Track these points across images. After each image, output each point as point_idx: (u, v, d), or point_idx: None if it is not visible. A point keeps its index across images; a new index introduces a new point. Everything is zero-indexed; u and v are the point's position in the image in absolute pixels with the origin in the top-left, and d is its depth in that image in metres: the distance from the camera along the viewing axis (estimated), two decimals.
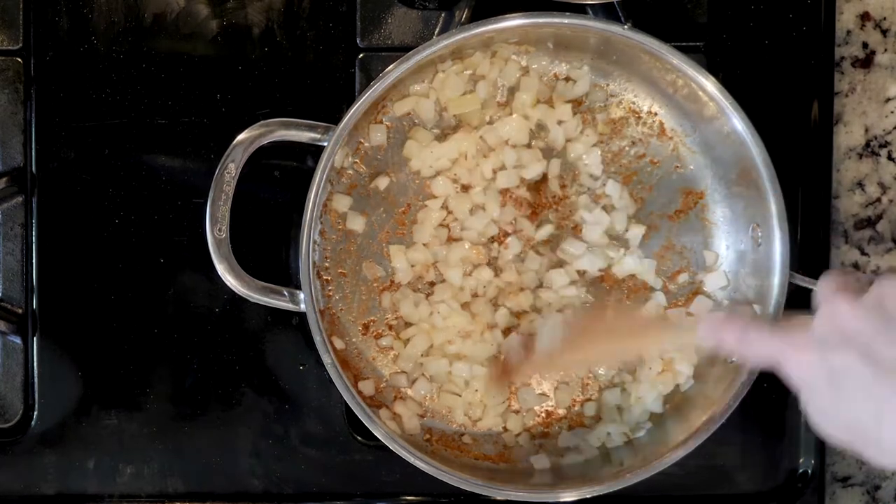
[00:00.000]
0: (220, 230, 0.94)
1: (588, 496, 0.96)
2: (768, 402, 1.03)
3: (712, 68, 0.98)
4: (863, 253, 1.07)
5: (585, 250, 1.00)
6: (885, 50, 1.07)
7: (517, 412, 1.02)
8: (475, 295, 1.01)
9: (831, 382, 0.74)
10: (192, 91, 1.02)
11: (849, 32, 1.06)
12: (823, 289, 0.77)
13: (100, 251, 1.02)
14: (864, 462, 1.07)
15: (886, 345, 0.72)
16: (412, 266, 1.00)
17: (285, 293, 0.95)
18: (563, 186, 1.02)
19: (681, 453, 0.96)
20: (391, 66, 0.94)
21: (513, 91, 1.01)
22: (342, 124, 0.94)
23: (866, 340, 0.73)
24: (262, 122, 0.94)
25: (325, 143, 0.94)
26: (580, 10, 0.97)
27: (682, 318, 1.00)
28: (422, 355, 1.01)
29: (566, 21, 0.95)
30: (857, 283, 0.76)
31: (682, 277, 1.02)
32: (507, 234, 1.01)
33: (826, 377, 0.75)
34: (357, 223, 1.01)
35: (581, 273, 1.01)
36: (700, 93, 0.96)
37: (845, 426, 0.75)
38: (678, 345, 0.97)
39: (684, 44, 0.99)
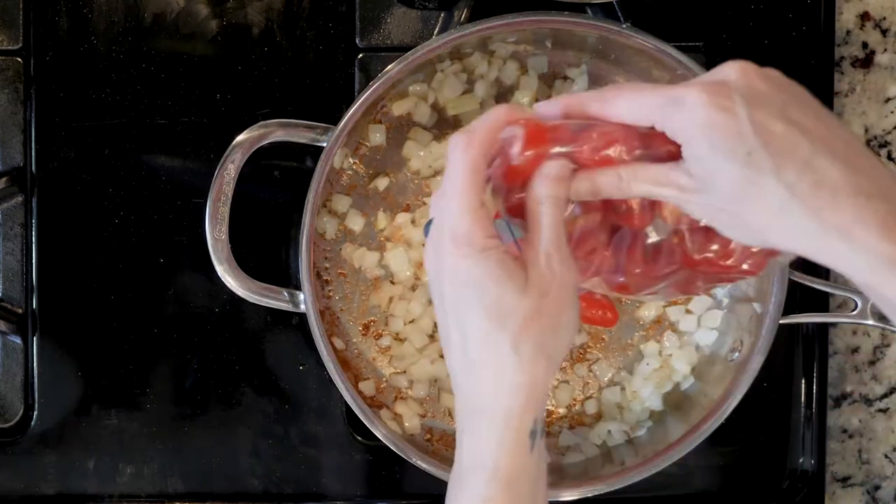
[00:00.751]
0: (219, 231, 0.94)
1: (589, 495, 0.96)
2: (768, 402, 1.03)
3: (712, 68, 0.98)
4: None
5: None
6: (885, 50, 1.07)
7: None
8: None
9: (746, 135, 0.67)
10: (191, 91, 1.02)
11: (848, 32, 1.06)
12: (724, 66, 0.71)
13: (100, 251, 1.02)
14: (864, 462, 1.07)
15: (803, 115, 0.68)
16: (411, 266, 1.01)
17: (285, 294, 0.95)
18: None
19: (681, 452, 0.96)
20: (390, 66, 0.94)
21: (511, 90, 1.01)
22: (341, 124, 0.94)
23: (780, 102, 0.69)
24: (261, 122, 0.94)
25: (325, 144, 0.94)
26: (579, 9, 0.97)
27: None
28: (419, 349, 1.01)
29: (565, 20, 0.95)
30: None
31: None
32: None
33: (745, 131, 0.67)
34: (357, 223, 1.01)
35: None
36: None
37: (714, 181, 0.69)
38: None
39: (684, 43, 0.99)
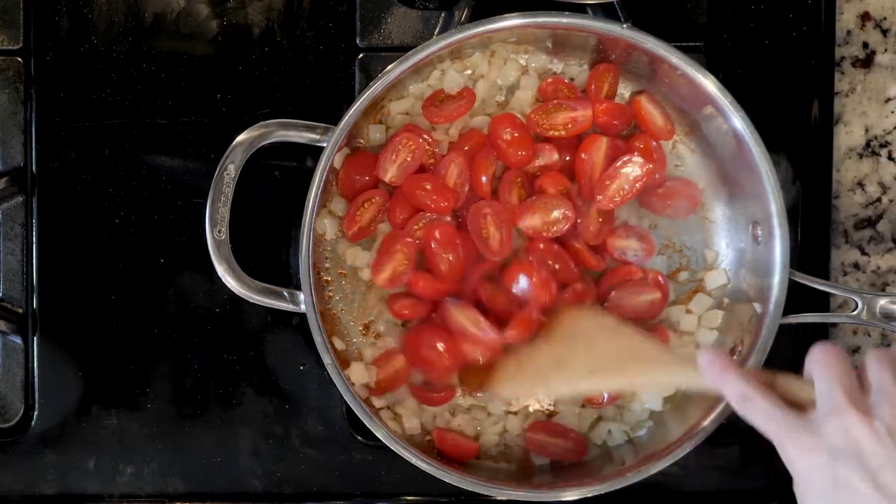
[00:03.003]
0: (219, 231, 0.94)
1: (589, 495, 0.96)
2: None
3: (712, 68, 0.98)
4: (863, 253, 1.07)
5: None
6: (886, 50, 1.07)
7: (516, 413, 1.02)
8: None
9: (831, 491, 0.77)
10: (192, 91, 1.02)
11: (849, 32, 1.06)
12: (823, 377, 0.79)
13: (100, 251, 1.02)
14: None
15: (893, 472, 0.75)
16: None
17: (285, 294, 0.95)
18: None
19: (681, 452, 0.96)
20: (390, 66, 0.94)
21: (512, 90, 1.01)
22: (341, 125, 0.93)
23: (877, 465, 0.76)
24: (261, 122, 0.94)
25: (325, 144, 0.94)
26: (580, 9, 0.97)
27: (682, 353, 0.97)
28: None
29: (566, 21, 0.95)
30: (850, 372, 0.79)
31: (683, 276, 1.02)
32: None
33: (828, 484, 0.78)
34: None
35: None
36: (700, 92, 0.96)
37: None
38: (679, 384, 0.96)
39: (684, 44, 0.99)
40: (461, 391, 1.00)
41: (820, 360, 0.80)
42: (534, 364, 0.96)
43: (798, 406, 0.81)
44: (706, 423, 0.96)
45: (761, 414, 0.81)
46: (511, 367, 0.96)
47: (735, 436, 1.02)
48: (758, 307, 0.97)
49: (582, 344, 0.95)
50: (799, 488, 0.81)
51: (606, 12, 0.97)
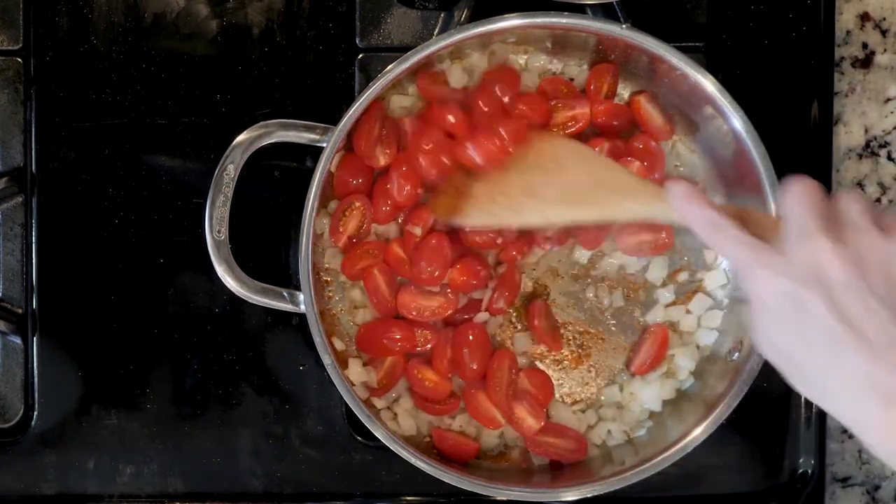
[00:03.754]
0: (219, 232, 0.94)
1: (589, 495, 0.96)
2: (768, 402, 1.03)
3: (712, 68, 0.98)
4: None
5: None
6: (885, 50, 1.07)
7: None
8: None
9: (791, 314, 0.77)
10: (192, 91, 1.02)
11: (848, 33, 1.06)
12: (795, 207, 0.78)
13: (100, 251, 1.02)
14: (864, 462, 1.07)
15: (859, 301, 0.74)
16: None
17: (285, 294, 0.95)
18: None
19: (681, 453, 0.96)
20: (390, 66, 0.94)
21: None
22: (341, 125, 0.94)
23: (842, 290, 0.75)
24: (260, 123, 0.94)
25: (325, 144, 0.94)
26: (579, 9, 0.97)
27: (653, 185, 0.92)
28: None
29: (565, 21, 0.95)
30: (823, 203, 0.78)
31: (682, 276, 1.02)
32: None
33: (788, 307, 0.77)
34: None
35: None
36: (699, 92, 0.96)
37: (787, 356, 0.79)
38: (649, 214, 0.90)
39: (684, 44, 0.99)
40: (434, 216, 0.98)
41: (794, 191, 0.79)
42: (505, 192, 0.94)
43: (767, 239, 0.80)
44: (705, 423, 0.96)
45: (731, 240, 0.80)
46: (482, 195, 0.95)
47: (735, 436, 1.02)
48: None
49: (554, 172, 0.93)
50: (756, 313, 0.79)
51: (606, 13, 0.97)
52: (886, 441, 0.75)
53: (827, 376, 0.76)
